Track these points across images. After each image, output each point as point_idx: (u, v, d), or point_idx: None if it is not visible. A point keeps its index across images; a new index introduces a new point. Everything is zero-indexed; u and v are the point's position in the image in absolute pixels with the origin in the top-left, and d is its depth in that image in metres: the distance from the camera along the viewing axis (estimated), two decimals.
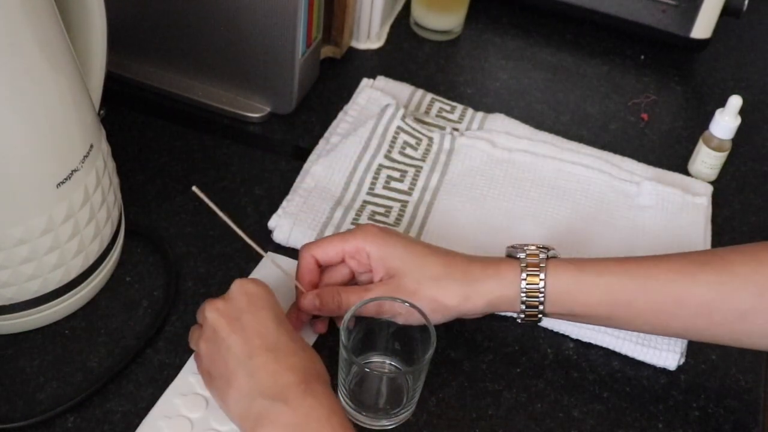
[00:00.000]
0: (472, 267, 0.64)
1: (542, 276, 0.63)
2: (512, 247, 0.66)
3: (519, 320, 0.65)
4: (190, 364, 0.65)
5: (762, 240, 0.64)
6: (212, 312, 0.60)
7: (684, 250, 0.76)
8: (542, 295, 0.63)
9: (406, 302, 0.63)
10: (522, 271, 0.63)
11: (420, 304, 0.62)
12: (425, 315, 0.62)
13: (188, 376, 0.65)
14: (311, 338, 0.69)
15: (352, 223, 0.76)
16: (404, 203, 0.79)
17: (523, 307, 0.64)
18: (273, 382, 0.56)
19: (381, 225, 0.68)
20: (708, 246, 0.78)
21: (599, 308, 0.64)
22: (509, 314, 0.70)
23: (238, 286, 0.61)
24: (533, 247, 0.64)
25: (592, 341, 0.71)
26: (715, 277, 0.62)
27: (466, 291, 0.64)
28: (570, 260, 0.64)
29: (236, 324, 0.59)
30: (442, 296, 0.64)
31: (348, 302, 0.65)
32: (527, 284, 0.63)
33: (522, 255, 0.64)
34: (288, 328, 0.60)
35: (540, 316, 0.64)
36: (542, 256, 0.64)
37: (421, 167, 0.82)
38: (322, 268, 0.68)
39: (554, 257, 0.65)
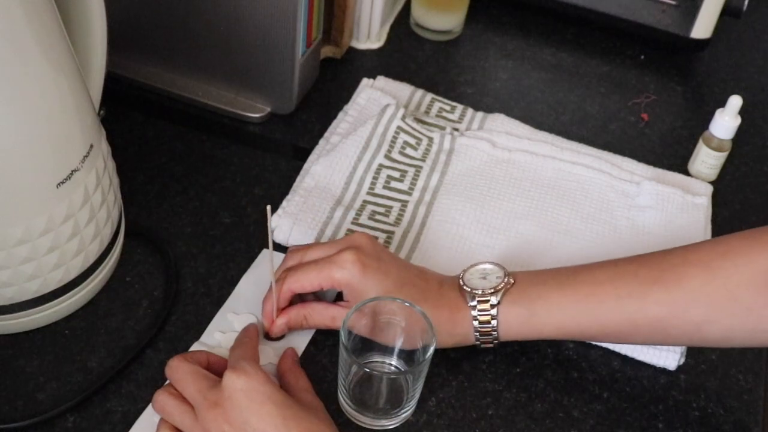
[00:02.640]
0: (434, 317, 0.64)
1: (494, 324, 0.65)
2: (464, 285, 0.66)
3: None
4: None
5: None
6: (215, 422, 0.57)
7: None
8: (495, 339, 0.66)
9: (407, 302, 0.63)
10: (474, 319, 0.65)
11: None
12: (426, 317, 0.62)
13: None
14: (307, 333, 0.69)
15: (353, 223, 0.76)
16: (404, 203, 0.79)
17: (478, 343, 0.67)
18: None
19: (369, 250, 0.66)
20: None
21: (553, 337, 0.67)
22: None
23: (230, 386, 0.57)
24: (483, 293, 0.65)
25: (593, 341, 0.71)
26: (666, 295, 0.62)
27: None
28: (520, 300, 0.65)
29: (246, 430, 0.56)
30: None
31: (314, 323, 0.67)
32: (481, 335, 0.66)
33: (473, 302, 0.65)
34: (292, 411, 0.57)
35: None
36: (494, 301, 0.65)
37: (421, 167, 0.82)
38: None
39: (510, 286, 0.65)
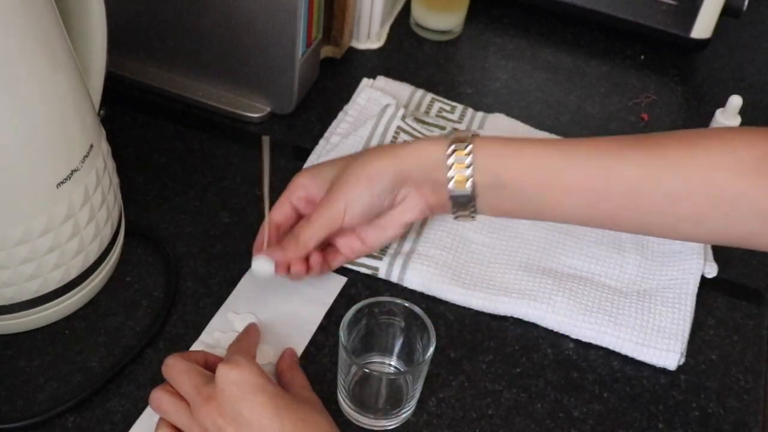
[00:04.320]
0: (395, 146, 0.66)
1: (469, 148, 0.63)
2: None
3: (453, 214, 0.67)
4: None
5: None
6: (209, 416, 0.56)
7: (684, 250, 0.76)
8: (470, 166, 0.63)
9: (406, 303, 0.63)
10: (450, 143, 0.64)
11: (357, 188, 0.66)
12: (425, 318, 0.62)
13: None
14: (307, 333, 0.69)
15: None
16: None
17: (451, 177, 0.64)
18: None
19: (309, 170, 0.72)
20: (708, 249, 0.78)
21: (527, 182, 0.63)
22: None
23: (223, 379, 0.57)
24: (456, 129, 0.65)
25: (592, 341, 0.71)
26: (645, 159, 0.61)
27: (394, 162, 0.66)
28: (496, 136, 0.65)
29: (239, 420, 0.55)
30: (373, 171, 0.66)
31: (304, 237, 0.67)
32: (455, 156, 0.64)
33: (446, 131, 0.66)
34: (285, 402, 0.57)
35: (471, 200, 0.64)
36: (469, 134, 0.64)
37: None
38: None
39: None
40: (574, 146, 0.63)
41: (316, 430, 0.57)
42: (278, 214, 0.70)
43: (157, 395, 0.60)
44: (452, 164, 0.64)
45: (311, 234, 0.68)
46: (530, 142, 0.64)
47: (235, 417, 0.56)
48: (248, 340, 0.65)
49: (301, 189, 0.70)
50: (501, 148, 0.64)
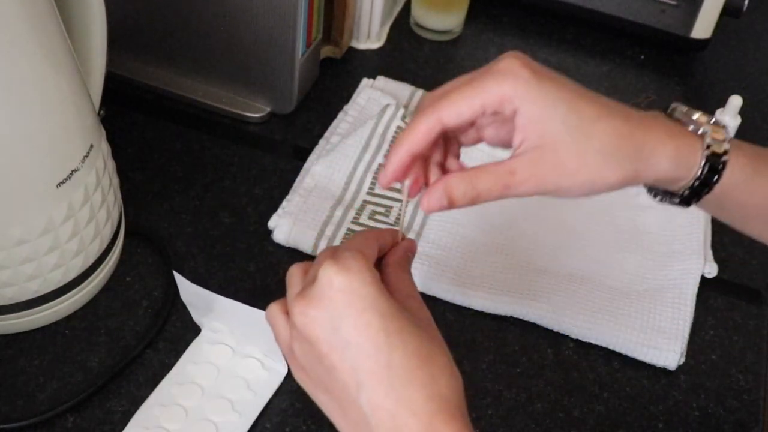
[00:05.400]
0: (648, 139, 0.50)
1: (725, 160, 0.51)
2: (684, 115, 0.53)
3: (657, 199, 0.55)
4: (188, 354, 0.66)
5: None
6: (302, 318, 0.47)
7: (684, 250, 0.76)
8: (713, 188, 0.52)
9: None
10: (703, 159, 0.51)
11: (574, 183, 0.52)
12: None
13: (186, 365, 0.66)
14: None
15: (353, 222, 0.76)
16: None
17: (687, 191, 0.53)
18: (392, 427, 0.45)
19: (527, 62, 0.50)
20: (708, 249, 0.78)
21: (749, 209, 0.55)
22: None
23: (327, 282, 0.46)
24: (716, 132, 0.51)
25: (592, 341, 0.71)
26: None
27: (636, 168, 0.51)
28: (747, 154, 0.53)
29: (336, 337, 0.46)
30: (606, 176, 0.51)
31: (487, 193, 0.51)
32: (706, 175, 0.51)
33: (708, 139, 0.51)
34: (398, 325, 0.46)
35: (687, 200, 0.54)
36: (726, 146, 0.51)
37: None
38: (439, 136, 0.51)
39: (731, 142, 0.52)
40: None
41: (429, 369, 0.46)
42: (458, 116, 0.50)
43: (270, 307, 0.51)
44: (692, 188, 0.52)
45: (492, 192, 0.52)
46: None
47: (332, 334, 0.46)
48: (372, 238, 0.51)
49: (508, 108, 0.50)
50: (744, 183, 0.53)
